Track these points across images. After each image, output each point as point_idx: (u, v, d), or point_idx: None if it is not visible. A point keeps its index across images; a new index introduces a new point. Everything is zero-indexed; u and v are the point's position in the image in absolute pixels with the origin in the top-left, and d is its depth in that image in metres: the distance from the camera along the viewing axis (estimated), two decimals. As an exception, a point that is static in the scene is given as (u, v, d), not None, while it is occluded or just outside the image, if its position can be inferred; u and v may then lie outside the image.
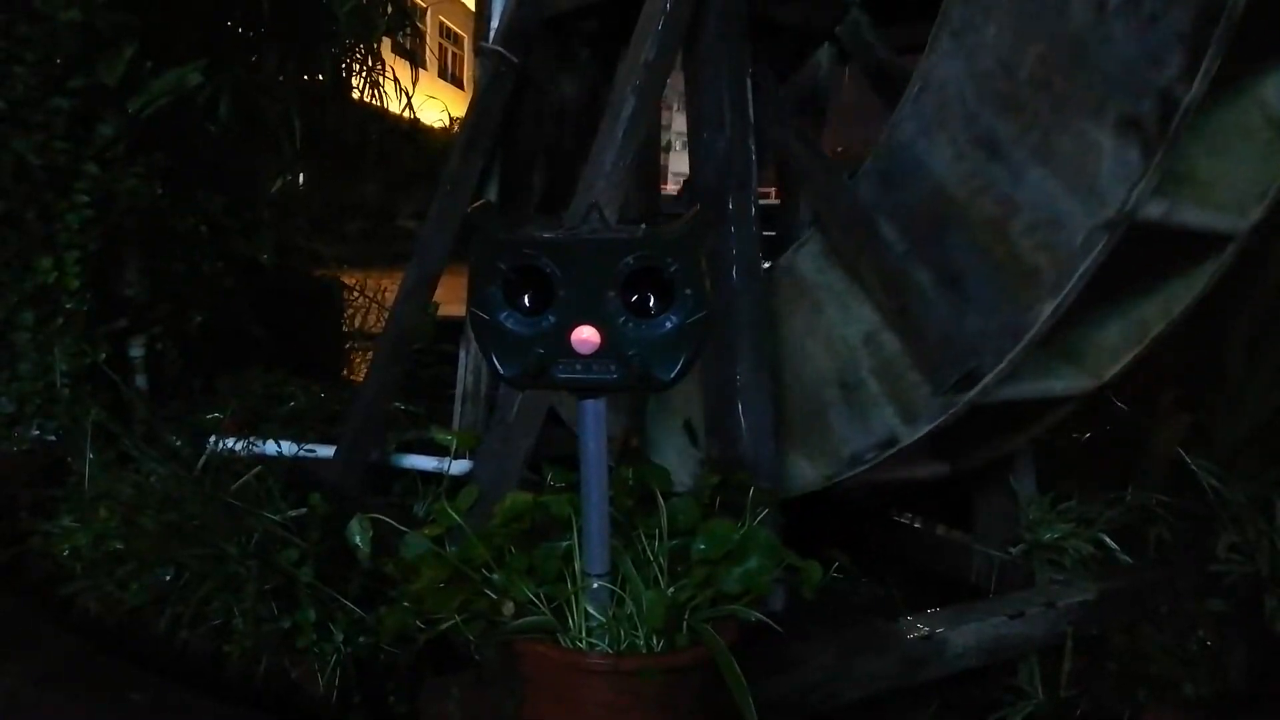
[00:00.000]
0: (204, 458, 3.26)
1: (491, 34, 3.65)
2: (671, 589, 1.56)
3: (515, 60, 3.56)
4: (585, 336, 1.43)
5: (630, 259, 1.41)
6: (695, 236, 1.41)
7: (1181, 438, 3.67)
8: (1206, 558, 3.27)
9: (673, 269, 1.41)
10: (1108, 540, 3.31)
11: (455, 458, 3.81)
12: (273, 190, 5.51)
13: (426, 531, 1.66)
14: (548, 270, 1.43)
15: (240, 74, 4.46)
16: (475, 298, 1.45)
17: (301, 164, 5.79)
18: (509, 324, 1.45)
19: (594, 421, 1.50)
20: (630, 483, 1.72)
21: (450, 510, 1.65)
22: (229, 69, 4.37)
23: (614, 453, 1.70)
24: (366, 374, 3.93)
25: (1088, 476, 3.63)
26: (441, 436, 2.37)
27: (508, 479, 2.66)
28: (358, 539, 1.75)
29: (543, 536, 1.69)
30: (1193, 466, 3.56)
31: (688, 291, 1.41)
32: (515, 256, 1.43)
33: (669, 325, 1.43)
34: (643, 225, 1.50)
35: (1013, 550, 3.22)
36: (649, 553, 1.62)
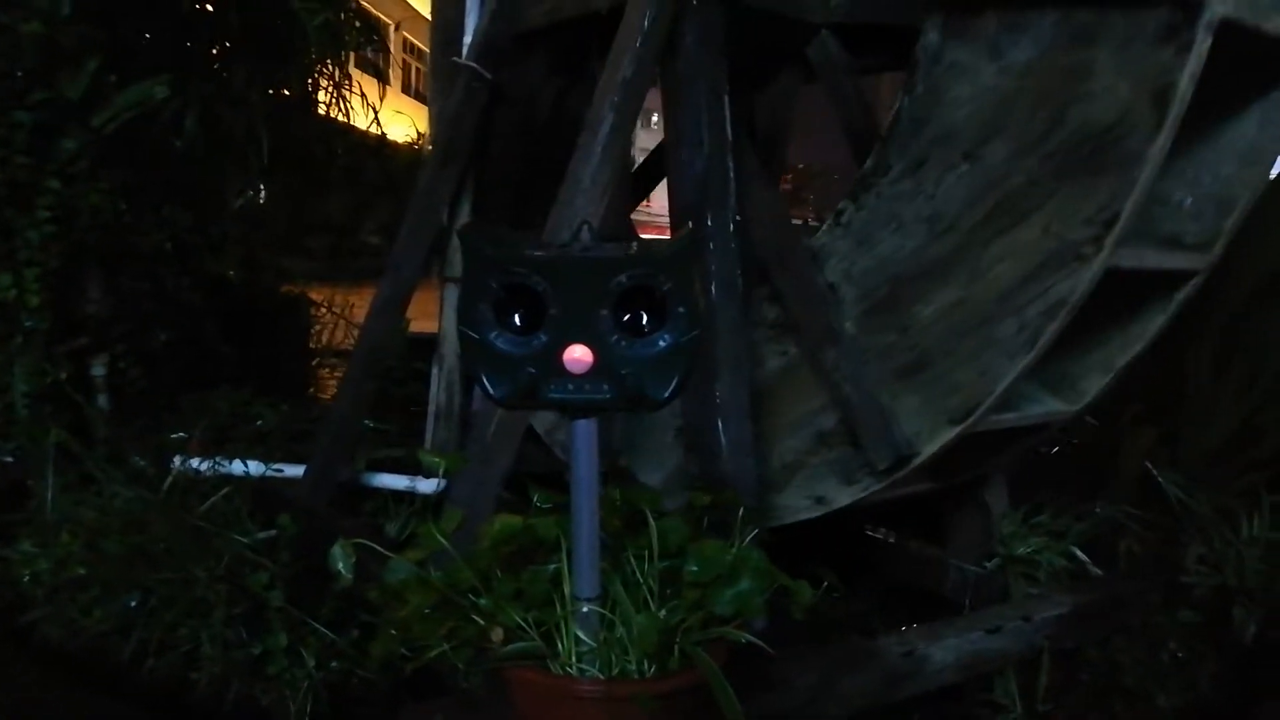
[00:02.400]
0: (169, 479, 3.18)
1: (465, 49, 3.62)
2: (663, 611, 1.54)
3: (488, 76, 3.54)
4: (578, 356, 1.41)
5: (623, 277, 1.39)
6: (688, 254, 1.40)
7: (1148, 451, 3.74)
8: (1176, 569, 3.32)
9: (666, 287, 1.39)
10: (1079, 553, 3.35)
11: (426, 476, 3.80)
12: (236, 205, 5.43)
13: (410, 555, 1.62)
14: (539, 289, 1.41)
15: (207, 88, 4.39)
16: (464, 316, 1.42)
17: (267, 179, 5.72)
18: (499, 343, 1.43)
19: (586, 442, 1.48)
20: (619, 504, 1.70)
21: (436, 534, 1.62)
22: (195, 83, 4.30)
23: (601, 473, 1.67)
24: (337, 391, 3.88)
25: (1058, 490, 3.67)
26: (427, 459, 2.32)
27: (485, 500, 2.62)
28: (340, 565, 1.71)
29: (529, 560, 1.66)
30: (1159, 479, 3.62)
31: (681, 310, 1.40)
32: (506, 275, 1.41)
33: (662, 344, 1.41)
34: (633, 243, 1.48)
35: (987, 564, 3.23)
36: (639, 574, 1.60)
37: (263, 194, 6.37)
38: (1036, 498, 3.47)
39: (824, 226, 3.01)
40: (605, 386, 1.41)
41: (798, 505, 2.83)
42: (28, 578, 2.83)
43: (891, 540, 3.71)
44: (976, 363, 2.54)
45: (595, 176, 2.67)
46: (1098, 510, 3.60)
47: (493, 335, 1.42)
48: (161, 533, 2.85)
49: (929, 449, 2.61)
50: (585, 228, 1.44)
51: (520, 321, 1.43)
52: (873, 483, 2.72)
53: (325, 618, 2.83)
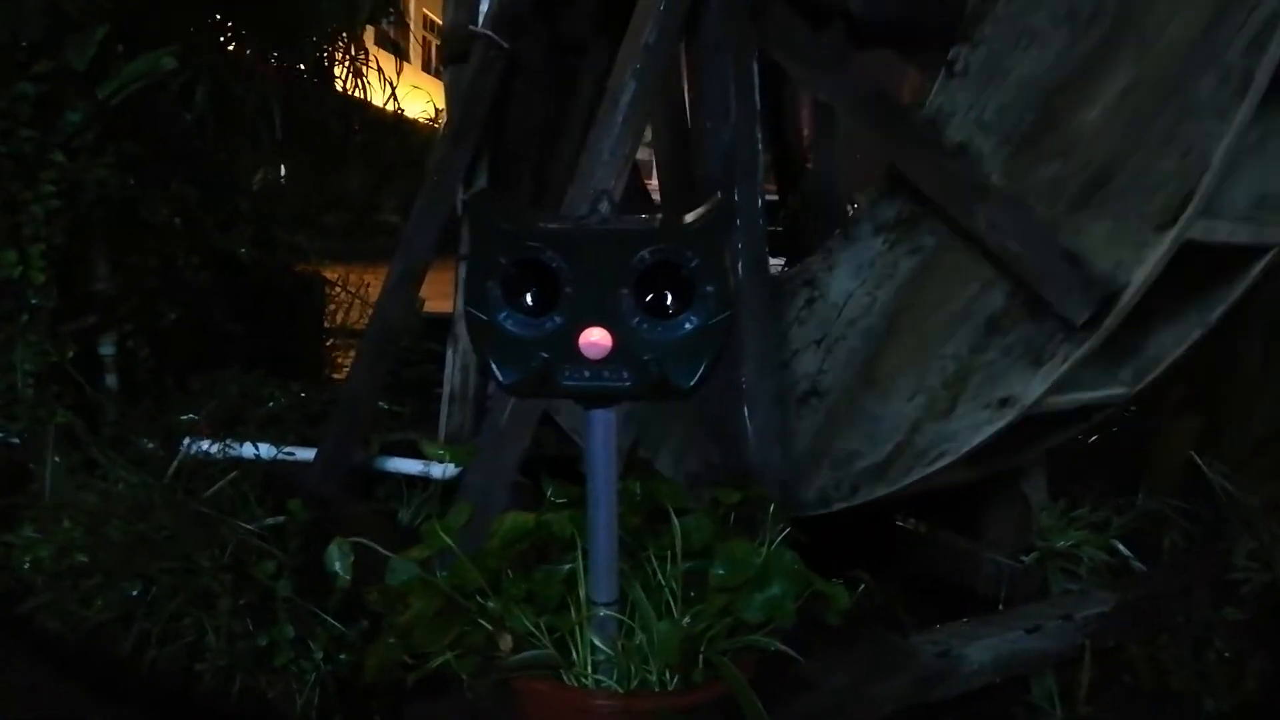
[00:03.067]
0: (175, 462, 3.09)
1: (480, 17, 3.48)
2: (686, 618, 1.41)
3: (505, 45, 3.39)
4: (595, 339, 1.28)
5: (646, 253, 1.26)
6: (717, 228, 1.26)
7: (1193, 440, 3.58)
8: (1222, 565, 3.17)
9: (693, 264, 1.26)
10: (1121, 547, 3.20)
11: (440, 461, 3.69)
12: (255, 182, 5.33)
13: (414, 553, 1.50)
14: (553, 265, 1.27)
15: (217, 60, 4.27)
16: (471, 295, 1.29)
17: (282, 156, 5.62)
18: (509, 325, 1.30)
19: (603, 434, 1.35)
20: (638, 498, 1.57)
21: (440, 531, 1.49)
22: (205, 55, 4.18)
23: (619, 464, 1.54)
24: (349, 373, 3.77)
25: (1097, 480, 3.52)
26: (433, 451, 2.20)
27: (500, 487, 2.50)
28: (337, 565, 1.59)
29: (542, 558, 1.54)
30: (1204, 470, 3.46)
31: (709, 289, 1.27)
32: (517, 249, 1.28)
33: (689, 326, 1.28)
34: (657, 216, 1.35)
35: (1025, 559, 3.09)
36: (660, 577, 1.47)
37: (282, 172, 6.29)
38: (1074, 488, 3.32)
39: (935, 85, 2.59)
40: (625, 373, 1.28)
41: (977, 419, 2.45)
42: (28, 564, 2.73)
43: (920, 530, 3.58)
44: (1174, 144, 2.12)
45: (615, 149, 2.53)
46: (1139, 502, 3.45)
47: (502, 316, 1.29)
48: (165, 519, 2.75)
49: (1140, 273, 2.17)
50: (605, 199, 1.31)
51: (532, 301, 1.30)
52: (1072, 349, 2.28)
53: (334, 608, 2.72)
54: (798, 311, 2.75)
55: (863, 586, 1.58)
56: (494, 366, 1.31)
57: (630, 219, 1.33)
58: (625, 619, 1.41)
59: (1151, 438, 3.66)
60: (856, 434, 2.64)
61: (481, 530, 1.81)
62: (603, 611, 1.40)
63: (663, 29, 2.53)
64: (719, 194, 1.27)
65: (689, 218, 1.28)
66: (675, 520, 1.48)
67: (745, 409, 2.45)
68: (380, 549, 1.55)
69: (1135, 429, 3.73)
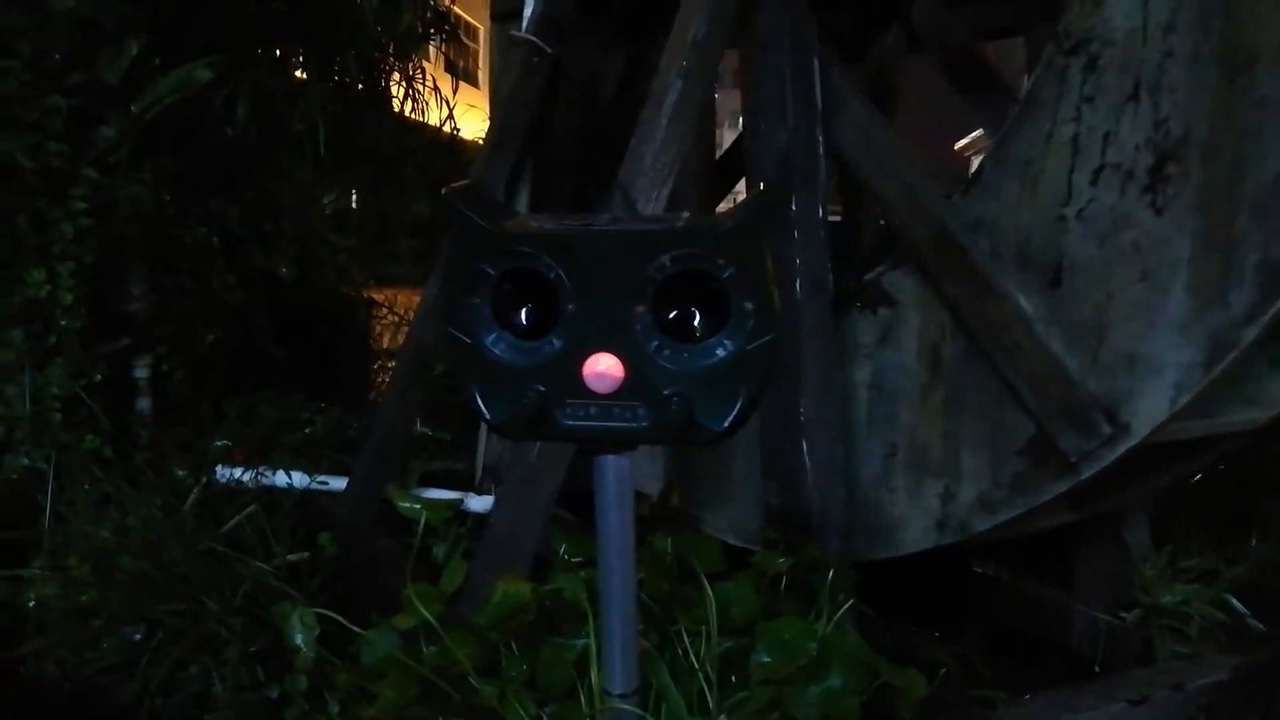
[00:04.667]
0: (194, 493, 2.91)
1: (524, 21, 3.28)
2: (723, 715, 1.13)
3: (549, 50, 3.18)
4: (603, 369, 1.01)
5: (666, 259, 0.99)
6: (758, 229, 0.99)
7: (1317, 477, 3.19)
8: (1355, 625, 2.77)
9: (727, 274, 0.99)
10: (1234, 602, 2.82)
11: (479, 492, 3.47)
12: (325, 208, 5.22)
13: (396, 623, 1.26)
14: (552, 275, 1.02)
15: (261, 75, 4.14)
16: (452, 314, 1.05)
17: (338, 176, 5.50)
18: (498, 350, 1.05)
19: (615, 485, 1.09)
20: (667, 559, 1.30)
21: (418, 601, 1.24)
22: (248, 69, 4.05)
23: (645, 512, 1.27)
24: (382, 400, 3.57)
25: (1203, 526, 3.14)
26: (405, 505, 1.93)
27: (529, 525, 2.25)
28: (299, 638, 1.35)
29: (553, 629, 1.27)
30: (1331, 513, 3.07)
31: (748, 305, 1.00)
32: (507, 256, 1.03)
33: (721, 353, 1.01)
34: (683, 214, 1.08)
35: (1124, 614, 2.73)
36: (693, 659, 1.19)
37: (350, 194, 6.20)
38: (1178, 535, 2.95)
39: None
40: (641, 411, 1.02)
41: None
42: (33, 602, 2.56)
43: (1004, 578, 3.22)
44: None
45: (659, 155, 2.28)
46: (1252, 548, 3.07)
47: (489, 339, 1.04)
48: (176, 556, 2.56)
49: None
50: (618, 195, 1.05)
51: (527, 321, 1.05)
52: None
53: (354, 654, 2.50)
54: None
55: (944, 671, 1.27)
56: (479, 400, 1.06)
57: (648, 218, 1.07)
58: (648, 715, 1.13)
59: (1263, 478, 3.27)
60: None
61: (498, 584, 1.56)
62: (619, 703, 1.13)
63: (713, 21, 2.28)
64: (760, 190, 0.99)
65: (721, 215, 1.02)
66: (709, 592, 1.20)
67: (804, 443, 2.17)
68: (346, 623, 1.31)
69: (1245, 468, 3.34)
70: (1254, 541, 3.15)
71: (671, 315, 1.03)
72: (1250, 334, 2.03)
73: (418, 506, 1.81)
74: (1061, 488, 2.27)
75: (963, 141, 14.45)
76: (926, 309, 2.43)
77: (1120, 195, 2.13)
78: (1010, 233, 2.28)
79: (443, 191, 1.04)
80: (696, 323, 1.03)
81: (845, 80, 2.47)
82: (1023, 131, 2.26)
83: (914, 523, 2.51)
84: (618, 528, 1.10)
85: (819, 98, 2.36)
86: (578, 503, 2.85)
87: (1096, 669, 2.75)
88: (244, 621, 2.47)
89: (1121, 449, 2.17)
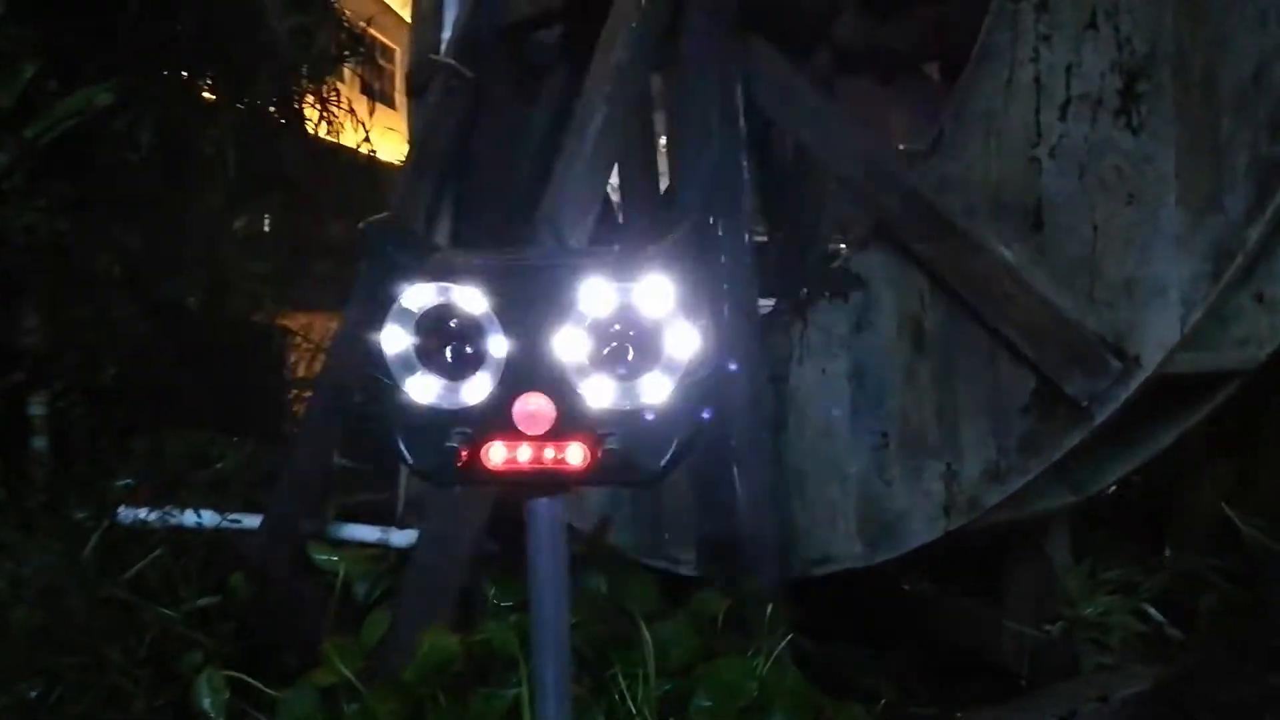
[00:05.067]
0: (95, 537, 2.75)
1: (442, 45, 3.22)
2: (664, 764, 1.10)
3: (468, 74, 3.13)
4: (534, 409, 0.97)
5: (598, 295, 0.96)
6: (692, 258, 0.96)
7: (1224, 489, 3.29)
8: (1266, 629, 2.87)
9: (661, 308, 0.96)
10: (1152, 612, 2.89)
11: (401, 526, 3.36)
12: (236, 234, 5.04)
13: (314, 680, 1.18)
14: (478, 313, 0.97)
15: (166, 98, 3.99)
16: (372, 354, 0.99)
17: (250, 201, 5.33)
18: (421, 392, 0.99)
19: (549, 529, 1.04)
20: (600, 600, 1.25)
21: (337, 658, 1.17)
22: (152, 91, 3.90)
23: (578, 550, 1.23)
24: (298, 433, 3.44)
25: (1120, 537, 3.22)
26: (322, 558, 1.83)
27: (455, 564, 2.17)
28: (207, 703, 1.27)
29: (482, 678, 1.21)
30: (1237, 521, 3.17)
31: (681, 341, 0.97)
32: (430, 294, 0.98)
33: (656, 390, 0.98)
34: (614, 246, 1.05)
35: (1049, 627, 2.77)
36: (630, 704, 1.15)
37: (256, 218, 6.02)
38: (1095, 546, 3.02)
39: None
40: (574, 453, 0.98)
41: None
42: (-82, 661, 2.38)
43: (934, 596, 3.25)
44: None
45: (584, 183, 2.24)
46: (1168, 559, 3.16)
47: (411, 381, 0.99)
48: (75, 606, 2.41)
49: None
50: (548, 227, 1.01)
51: (451, 360, 1.00)
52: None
53: (272, 704, 2.38)
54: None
55: (884, 701, 1.25)
56: (400, 445, 1.01)
57: (578, 250, 1.03)
58: (584, 765, 1.09)
59: (1178, 487, 3.37)
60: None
61: (427, 618, 1.49)
62: (554, 755, 1.08)
63: (637, 47, 2.26)
64: (692, 219, 0.96)
65: (652, 249, 0.99)
66: (646, 634, 1.16)
67: (736, 472, 2.14)
68: (259, 684, 1.23)
69: (1159, 480, 3.43)
70: (1167, 552, 3.23)
71: (605, 351, 0.99)
72: (1253, 234, 2.01)
73: (335, 559, 1.70)
74: (1075, 439, 2.20)
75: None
76: (901, 282, 2.37)
77: (1092, 124, 2.11)
78: (981, 186, 2.24)
79: (360, 226, 0.98)
80: (630, 358, 0.99)
81: (793, 72, 2.44)
82: (980, 84, 2.24)
83: (917, 512, 2.44)
84: (550, 573, 1.05)
85: (742, 123, 2.35)
86: (502, 529, 2.79)
87: (1023, 683, 2.79)
88: (150, 673, 2.33)
89: (1135, 384, 2.11)
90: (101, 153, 3.77)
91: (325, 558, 1.75)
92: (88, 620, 2.36)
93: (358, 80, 7.81)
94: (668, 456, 0.98)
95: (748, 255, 2.33)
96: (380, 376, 0.99)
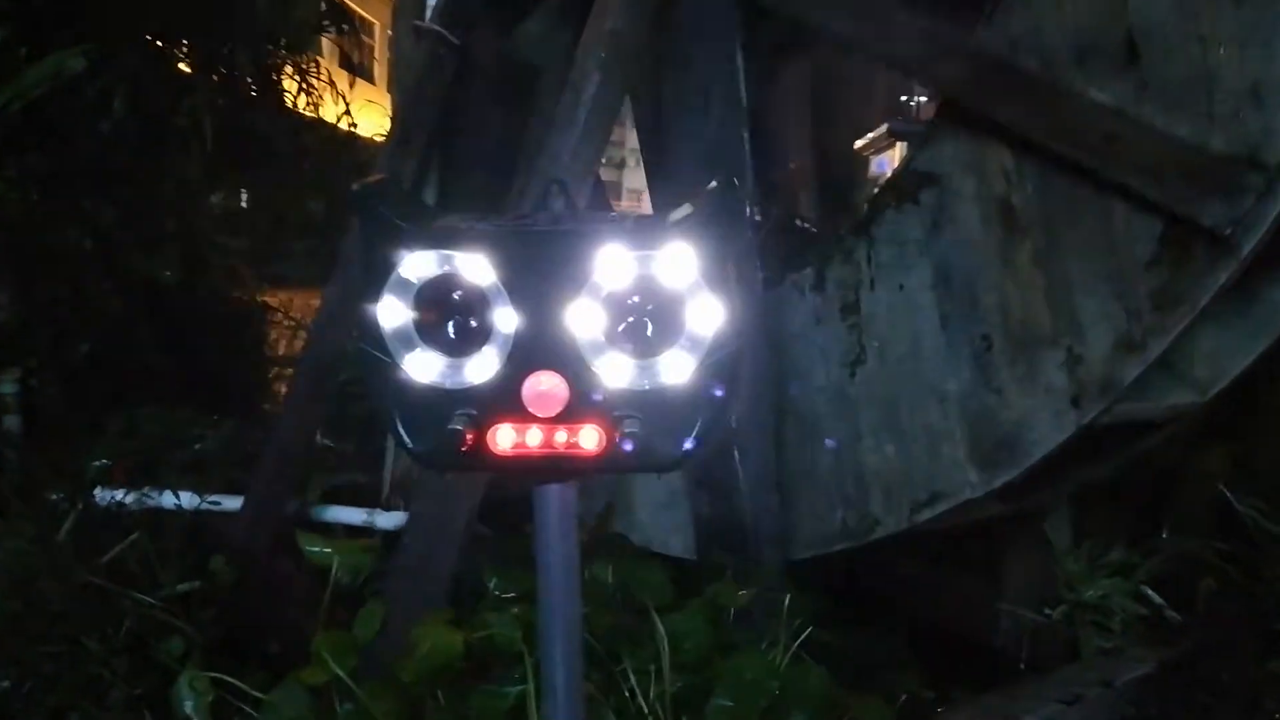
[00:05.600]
0: (69, 519, 2.66)
1: (428, 11, 3.11)
2: (680, 768, 1.03)
3: (455, 41, 3.02)
4: (545, 388, 0.89)
5: (614, 263, 0.88)
6: (717, 227, 0.89)
7: (1222, 472, 3.26)
8: (1265, 611, 2.84)
9: (683, 277, 0.88)
10: (1152, 595, 2.86)
11: (386, 508, 3.28)
12: (214, 208, 4.92)
13: (304, 678, 1.11)
14: (484, 283, 0.89)
15: (140, 66, 3.85)
16: (366, 329, 0.91)
17: (228, 174, 5.20)
18: (420, 370, 0.91)
19: (560, 518, 0.97)
20: (610, 590, 1.18)
21: (328, 655, 1.09)
22: (126, 60, 3.76)
23: (583, 538, 1.15)
24: (281, 413, 3.35)
25: (1119, 518, 3.18)
26: (313, 550, 1.74)
27: (447, 548, 2.10)
28: (189, 707, 1.19)
29: (482, 673, 1.14)
30: (1235, 503, 3.14)
31: (705, 314, 0.89)
32: (431, 262, 0.89)
33: (678, 367, 0.90)
34: (629, 214, 0.97)
35: (1049, 611, 2.73)
36: (641, 700, 1.08)
37: (238, 192, 5.89)
38: (1095, 528, 2.98)
39: None
40: (587, 436, 0.90)
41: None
42: (-116, 651, 2.28)
43: (930, 577, 3.20)
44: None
45: (578, 150, 2.16)
46: (1165, 540, 3.12)
47: (409, 357, 0.91)
48: (51, 592, 2.32)
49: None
50: (556, 190, 0.93)
51: (454, 335, 0.92)
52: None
53: (261, 688, 2.30)
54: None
55: (905, 697, 1.19)
56: (399, 428, 0.93)
57: (593, 216, 0.95)
58: (594, 768, 1.02)
59: (1176, 469, 3.33)
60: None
61: (419, 606, 1.41)
62: (563, 757, 1.01)
63: (630, 10, 2.17)
64: (716, 183, 0.88)
65: (676, 213, 0.91)
66: (659, 626, 1.09)
67: (736, 452, 2.07)
68: (249, 690, 1.15)
69: (1157, 462, 3.40)
70: (1164, 534, 3.20)
71: (622, 327, 0.91)
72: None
73: (328, 550, 1.61)
74: (1222, 276, 2.00)
75: (861, 141, 14.69)
76: (980, 164, 2.17)
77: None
78: (1058, 35, 2.05)
79: (352, 188, 0.90)
80: (649, 334, 0.91)
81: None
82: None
83: (1039, 414, 2.21)
84: (561, 564, 0.98)
85: (743, 93, 2.26)
86: (494, 512, 2.71)
87: (1023, 666, 2.75)
88: (129, 661, 2.25)
89: None
90: (73, 122, 3.64)
91: (317, 549, 1.66)
92: (63, 607, 2.27)
93: (338, 53, 7.67)
94: (690, 441, 0.91)
95: (748, 231, 2.25)
96: (375, 353, 0.91)
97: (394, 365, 0.91)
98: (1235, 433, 3.29)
